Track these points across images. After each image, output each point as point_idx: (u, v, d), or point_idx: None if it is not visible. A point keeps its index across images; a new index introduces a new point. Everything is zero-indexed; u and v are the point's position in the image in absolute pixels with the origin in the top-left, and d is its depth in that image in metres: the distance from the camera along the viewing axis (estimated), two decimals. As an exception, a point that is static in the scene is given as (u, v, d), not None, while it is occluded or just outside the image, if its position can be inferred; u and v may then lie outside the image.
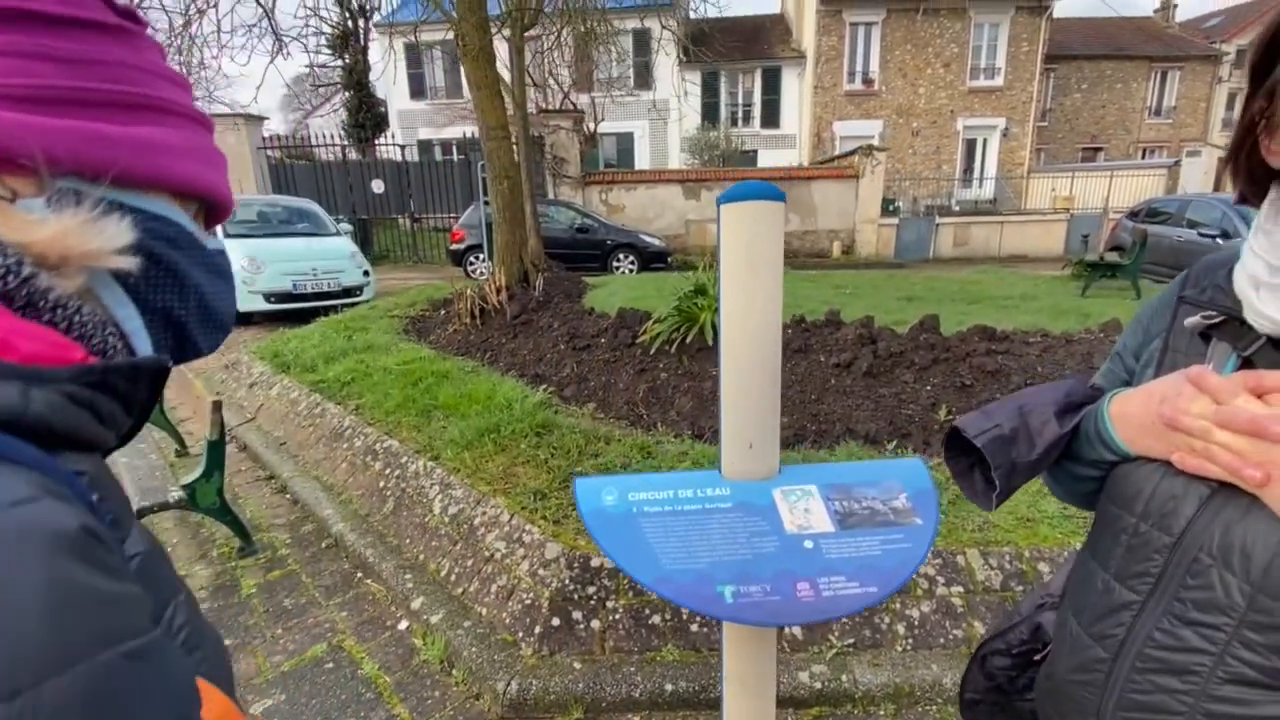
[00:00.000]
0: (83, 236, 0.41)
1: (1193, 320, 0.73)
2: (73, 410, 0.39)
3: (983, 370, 4.07)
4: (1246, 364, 0.66)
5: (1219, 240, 10.19)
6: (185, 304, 0.50)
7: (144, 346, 0.48)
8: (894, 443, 3.49)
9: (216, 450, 2.88)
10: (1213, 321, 0.71)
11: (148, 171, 0.46)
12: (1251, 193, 0.70)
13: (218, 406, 2.79)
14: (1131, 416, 0.70)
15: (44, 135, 0.41)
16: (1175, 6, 28.21)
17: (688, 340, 4.56)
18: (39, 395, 0.37)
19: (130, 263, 0.43)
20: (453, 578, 2.70)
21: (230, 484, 3.85)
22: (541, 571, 2.50)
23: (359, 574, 2.97)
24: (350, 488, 3.57)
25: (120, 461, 3.17)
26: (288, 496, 3.73)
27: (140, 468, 3.08)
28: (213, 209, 0.55)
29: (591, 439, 3.37)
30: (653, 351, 4.60)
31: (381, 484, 3.44)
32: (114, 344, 0.45)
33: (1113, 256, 9.54)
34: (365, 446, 3.76)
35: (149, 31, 0.51)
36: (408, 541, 3.01)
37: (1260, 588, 0.57)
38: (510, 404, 3.78)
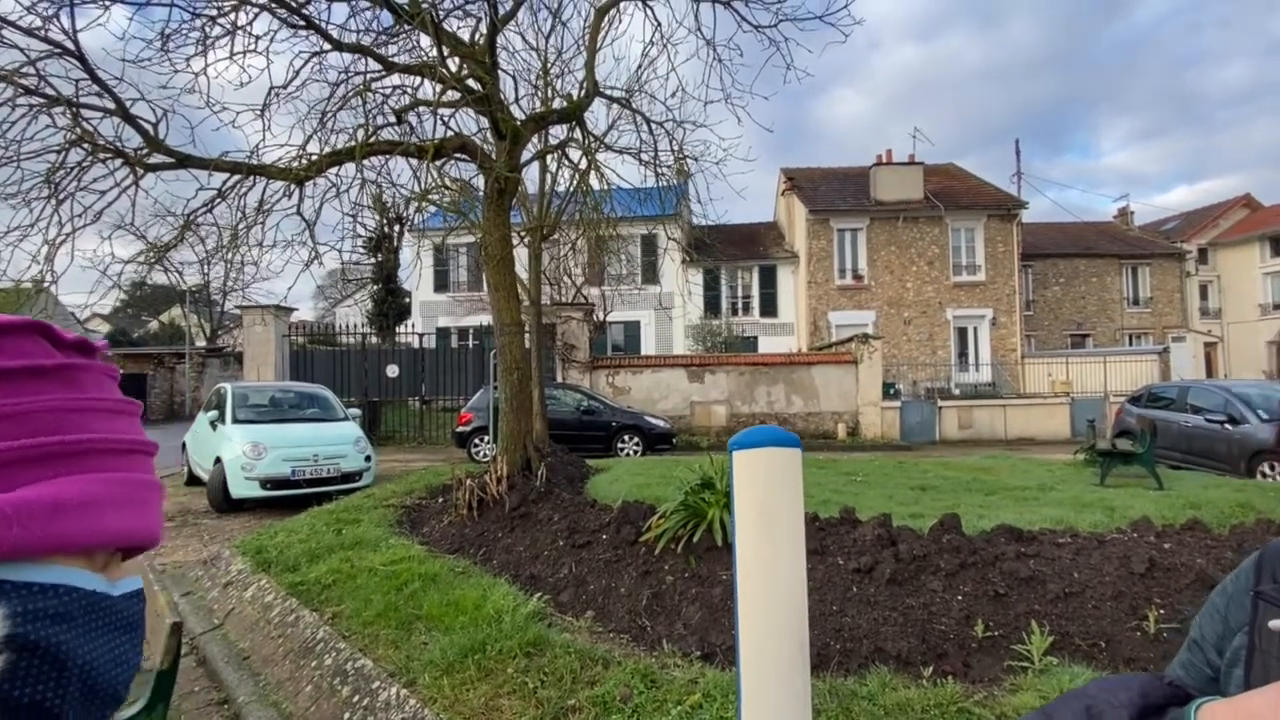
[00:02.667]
0: None
1: (1278, 625, 0.66)
2: None
3: (1016, 577, 3.75)
4: None
5: (1227, 426, 10.13)
6: (63, 691, 0.40)
7: None
8: (930, 667, 3.09)
9: (165, 681, 2.53)
10: None
11: (47, 542, 0.40)
12: None
13: (176, 630, 2.50)
14: None
15: None
16: (1132, 213, 31.21)
17: (695, 539, 4.29)
18: None
19: None
20: None
21: (177, 710, 3.39)
22: None
23: (302, 843, 2.46)
24: (311, 718, 3.12)
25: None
26: (239, 729, 3.26)
27: (75, 697, 2.71)
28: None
29: (588, 661, 3.00)
30: (658, 551, 4.31)
31: (346, 715, 3.00)
32: None
33: (1123, 442, 9.41)
34: (335, 666, 3.36)
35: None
36: (366, 797, 2.54)
37: None
38: (500, 615, 3.44)
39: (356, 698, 3.08)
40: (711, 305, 24.28)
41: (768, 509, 0.92)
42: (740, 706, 0.89)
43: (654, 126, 7.47)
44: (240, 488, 8.05)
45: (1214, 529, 4.66)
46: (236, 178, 5.84)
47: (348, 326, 17.69)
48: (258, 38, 5.33)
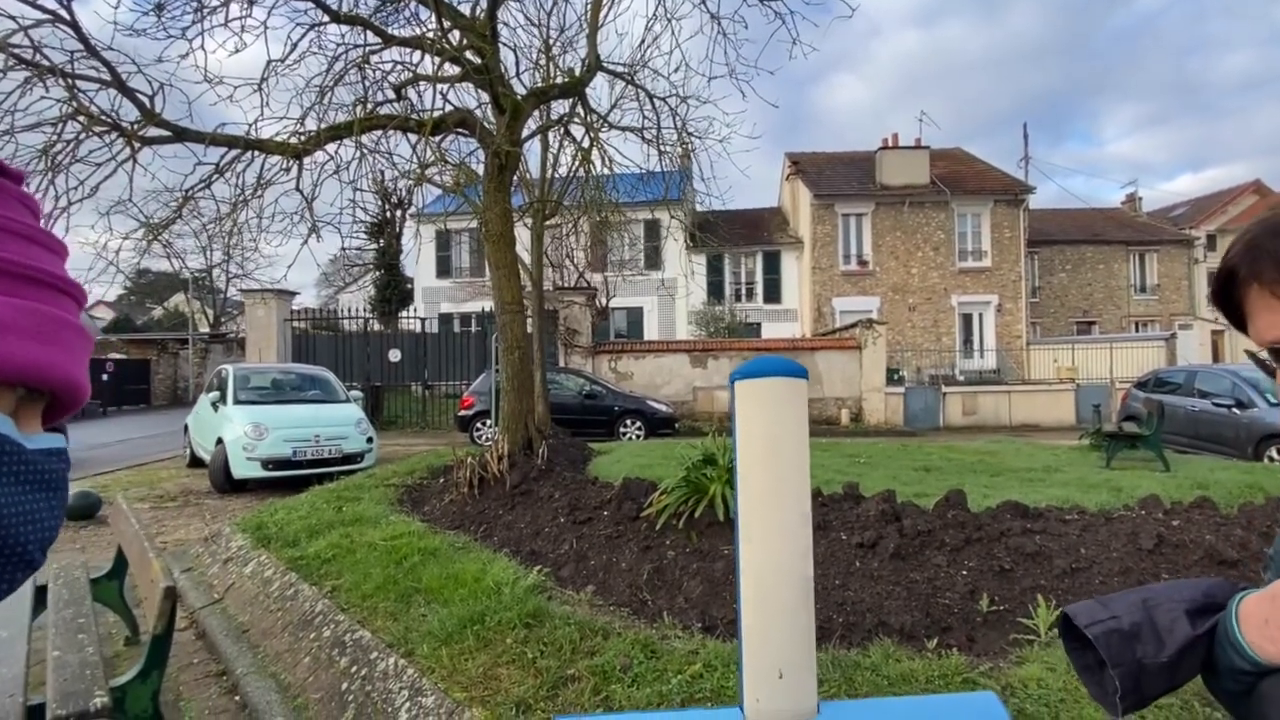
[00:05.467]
0: None
1: None
2: None
3: (1021, 552, 3.71)
4: None
5: (1234, 410, 10.04)
6: None
7: None
8: (934, 640, 3.05)
9: (160, 646, 2.52)
10: None
11: None
12: None
13: (169, 594, 2.49)
14: (1251, 615, 0.64)
15: None
16: (1140, 199, 30.87)
17: (697, 514, 4.25)
18: None
19: None
20: (410, 819, 2.19)
21: (175, 681, 3.38)
22: (517, 815, 2.02)
23: (299, 809, 2.44)
24: (309, 688, 3.10)
25: (52, 655, 2.79)
26: (236, 699, 3.24)
27: (70, 664, 2.69)
28: (60, 397, 0.43)
29: (587, 632, 2.96)
30: (659, 526, 4.28)
31: (344, 685, 2.98)
32: None
33: (1130, 426, 9.33)
34: (334, 638, 3.34)
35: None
36: (363, 764, 2.52)
37: None
38: (499, 588, 3.41)
39: (355, 668, 3.06)
40: (715, 291, 24.15)
41: (771, 444, 0.86)
42: (741, 645, 0.84)
43: (657, 102, 7.36)
44: (242, 468, 8.04)
45: (1222, 508, 4.60)
46: (234, 153, 5.76)
47: (350, 311, 17.64)
48: (252, 3, 5.23)
